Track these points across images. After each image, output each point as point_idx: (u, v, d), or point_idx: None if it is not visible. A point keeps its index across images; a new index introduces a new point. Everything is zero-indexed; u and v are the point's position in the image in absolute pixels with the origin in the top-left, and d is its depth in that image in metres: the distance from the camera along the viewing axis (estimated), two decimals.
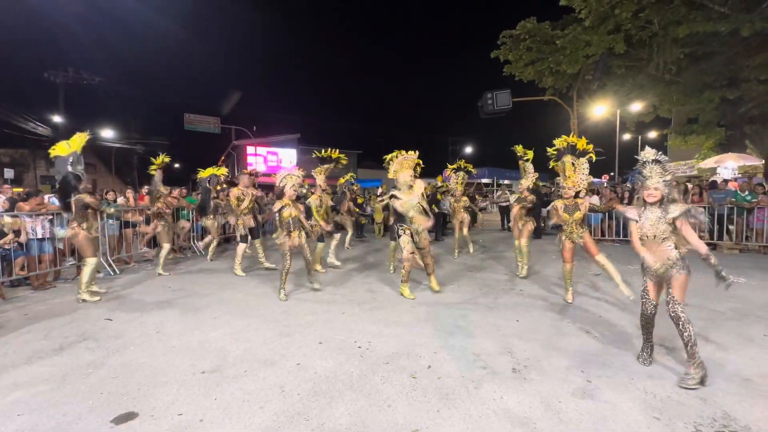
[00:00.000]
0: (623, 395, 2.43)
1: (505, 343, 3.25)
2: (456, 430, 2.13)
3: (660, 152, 2.70)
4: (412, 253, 4.61)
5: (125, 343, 3.35)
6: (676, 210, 2.61)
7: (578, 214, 4.32)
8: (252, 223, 6.48)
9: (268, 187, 10.83)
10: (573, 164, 4.34)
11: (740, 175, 11.63)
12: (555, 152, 4.51)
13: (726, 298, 4.50)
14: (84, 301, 4.59)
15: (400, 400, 2.42)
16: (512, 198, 5.86)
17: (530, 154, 5.90)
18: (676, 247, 2.63)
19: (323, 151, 6.08)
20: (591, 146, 4.35)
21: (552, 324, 3.72)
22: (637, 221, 2.74)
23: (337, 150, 6.14)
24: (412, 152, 4.70)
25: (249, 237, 6.57)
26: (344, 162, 6.31)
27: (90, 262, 4.65)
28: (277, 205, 4.67)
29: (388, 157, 4.85)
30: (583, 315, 3.97)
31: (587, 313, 4.01)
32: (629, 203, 9.06)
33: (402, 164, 4.68)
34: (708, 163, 13.36)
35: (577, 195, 4.43)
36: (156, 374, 2.78)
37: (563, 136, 4.51)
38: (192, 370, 2.84)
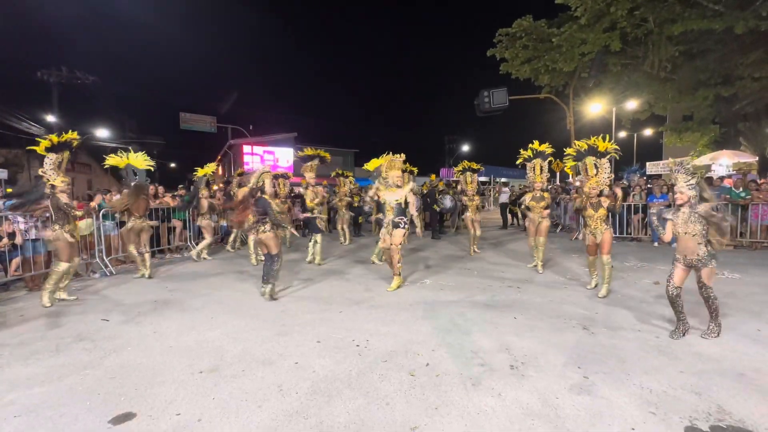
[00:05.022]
0: (619, 391, 2.45)
1: (502, 341, 3.27)
2: (454, 427, 2.14)
3: (683, 160, 3.24)
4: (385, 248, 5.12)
5: (122, 344, 3.33)
6: (701, 208, 3.11)
7: (602, 211, 4.53)
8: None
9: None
10: (595, 165, 4.57)
11: (735, 172, 11.70)
12: (575, 153, 4.76)
13: (720, 293, 4.53)
14: (45, 306, 4.41)
15: (399, 397, 2.43)
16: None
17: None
18: (706, 245, 3.12)
19: (305, 149, 7.02)
20: (612, 145, 4.51)
21: (549, 321, 3.74)
22: (672, 221, 3.26)
23: (311, 148, 7.13)
24: (398, 155, 5.19)
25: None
26: (327, 158, 7.08)
27: (62, 267, 4.52)
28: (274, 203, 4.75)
29: (373, 166, 5.62)
30: (579, 312, 3.99)
31: (584, 310, 4.03)
32: (624, 200, 9.13)
33: (390, 165, 5.17)
34: (703, 160, 13.45)
35: (600, 194, 4.62)
36: (153, 374, 2.78)
37: (584, 139, 4.73)
38: (190, 370, 2.84)
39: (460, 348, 3.13)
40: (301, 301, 4.56)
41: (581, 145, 4.67)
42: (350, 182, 10.06)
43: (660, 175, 17.81)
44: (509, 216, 12.80)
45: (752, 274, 5.47)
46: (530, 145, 5.96)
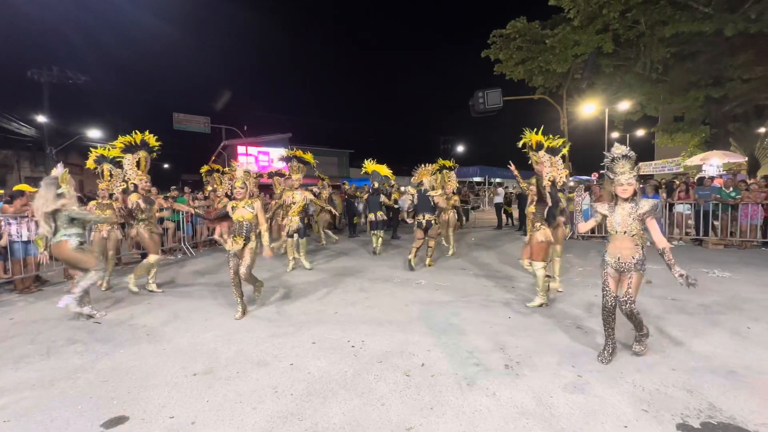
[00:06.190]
0: (612, 389, 2.48)
1: (497, 340, 3.28)
2: (449, 427, 2.14)
3: (629, 148, 2.72)
4: (421, 238, 6.22)
5: (114, 347, 3.30)
6: (646, 205, 2.68)
7: (531, 207, 4.25)
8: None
9: (264, 187, 10.83)
10: (550, 163, 4.49)
11: (725, 172, 11.90)
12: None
13: (711, 291, 4.60)
14: (152, 291, 4.98)
15: (394, 398, 2.43)
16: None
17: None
18: (643, 247, 2.73)
19: (287, 151, 6.73)
20: (561, 141, 4.41)
21: (543, 320, 3.76)
22: (607, 216, 2.79)
23: (299, 150, 6.73)
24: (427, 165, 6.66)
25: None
26: (310, 160, 6.61)
27: (152, 259, 4.99)
28: (229, 206, 4.10)
29: (370, 168, 7.51)
30: (573, 311, 4.02)
31: (578, 309, 4.07)
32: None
33: (420, 173, 6.48)
34: (694, 160, 13.64)
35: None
36: (146, 377, 2.75)
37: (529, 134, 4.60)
38: (183, 372, 2.82)
39: (456, 348, 3.14)
40: (296, 302, 4.54)
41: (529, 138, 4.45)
42: (327, 183, 10.55)
43: (652, 176, 18.06)
44: (504, 216, 12.88)
45: (742, 273, 5.55)
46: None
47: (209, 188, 9.03)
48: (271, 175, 8.25)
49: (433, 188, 6.47)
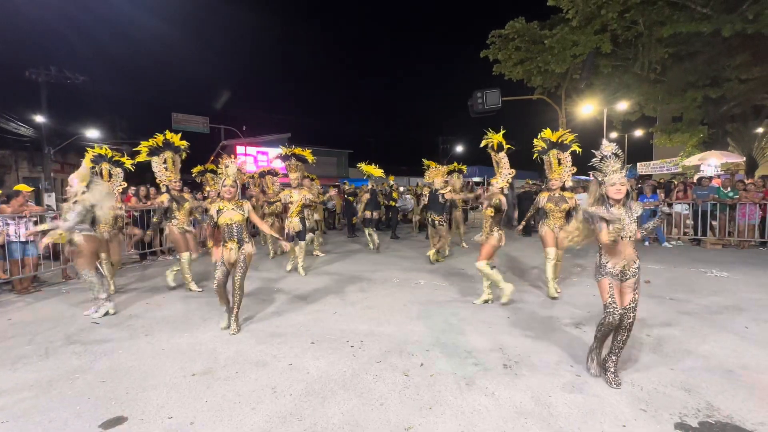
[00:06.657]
0: (611, 388, 2.48)
1: (496, 340, 3.29)
2: (448, 426, 2.14)
3: (617, 146, 2.51)
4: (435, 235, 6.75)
5: (113, 347, 3.29)
6: (639, 207, 2.50)
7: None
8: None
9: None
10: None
11: (723, 172, 11.93)
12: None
13: (710, 291, 4.62)
14: (191, 290, 5.05)
15: (393, 398, 2.43)
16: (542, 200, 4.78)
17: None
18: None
19: (284, 149, 6.25)
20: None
21: (542, 320, 3.77)
22: (613, 222, 2.39)
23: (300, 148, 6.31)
24: (435, 165, 7.18)
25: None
26: (309, 158, 6.08)
27: (183, 257, 5.03)
28: (214, 208, 3.58)
29: (366, 169, 8.33)
30: (572, 311, 4.03)
31: (576, 309, 4.07)
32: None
33: (432, 173, 6.96)
34: (692, 160, 13.68)
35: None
36: (145, 378, 2.75)
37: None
38: (182, 372, 2.81)
39: (454, 348, 3.15)
40: (294, 302, 4.54)
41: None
42: (317, 183, 10.57)
43: (650, 176, 18.11)
44: None
45: (740, 272, 5.57)
46: (540, 135, 4.78)
47: (208, 188, 8.98)
48: (262, 174, 8.08)
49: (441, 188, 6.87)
